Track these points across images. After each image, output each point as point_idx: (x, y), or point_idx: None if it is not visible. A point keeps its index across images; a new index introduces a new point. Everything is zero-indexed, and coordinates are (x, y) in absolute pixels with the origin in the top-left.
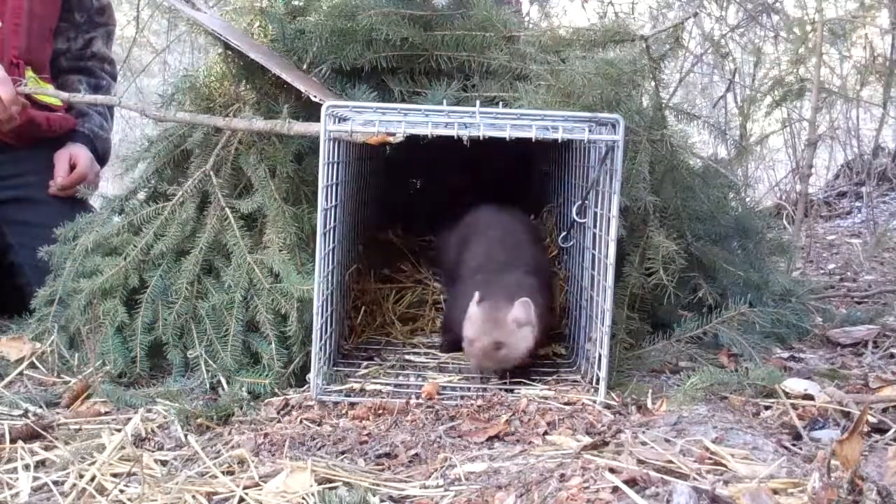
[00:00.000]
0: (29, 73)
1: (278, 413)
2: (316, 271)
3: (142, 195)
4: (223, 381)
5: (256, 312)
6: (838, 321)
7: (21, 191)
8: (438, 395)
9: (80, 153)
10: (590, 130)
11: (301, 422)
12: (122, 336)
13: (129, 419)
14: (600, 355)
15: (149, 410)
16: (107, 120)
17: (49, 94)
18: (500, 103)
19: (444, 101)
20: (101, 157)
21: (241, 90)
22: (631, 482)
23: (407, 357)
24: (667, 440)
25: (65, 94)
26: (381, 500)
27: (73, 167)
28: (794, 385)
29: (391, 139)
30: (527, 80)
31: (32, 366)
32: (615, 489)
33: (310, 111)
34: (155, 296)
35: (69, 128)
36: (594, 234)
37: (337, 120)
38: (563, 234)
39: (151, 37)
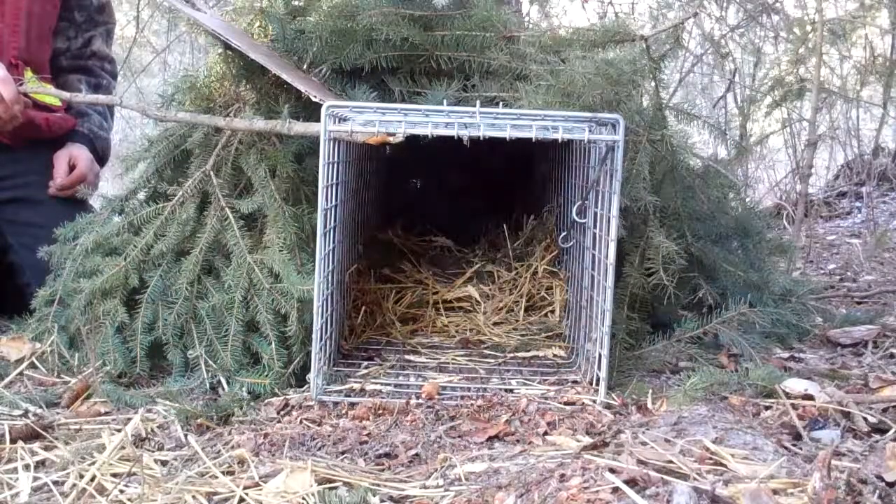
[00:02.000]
0: (28, 73)
1: (278, 413)
2: (316, 271)
3: (142, 195)
4: (223, 381)
5: (256, 312)
6: (838, 321)
7: (21, 191)
8: (438, 395)
9: (79, 153)
10: (590, 130)
11: (301, 422)
12: (122, 336)
13: (129, 419)
14: (600, 355)
15: (149, 410)
16: (107, 119)
17: (50, 93)
18: (500, 103)
19: (445, 101)
20: (101, 157)
21: (241, 90)
22: (631, 482)
23: (407, 357)
24: (667, 440)
25: (66, 94)
26: (381, 500)
27: (72, 167)
28: (794, 385)
29: (391, 139)
30: (527, 80)
31: (32, 366)
32: (615, 489)
33: (310, 111)
34: (155, 296)
35: (68, 128)
36: (594, 235)
37: (337, 120)
38: (563, 234)
39: (151, 37)
